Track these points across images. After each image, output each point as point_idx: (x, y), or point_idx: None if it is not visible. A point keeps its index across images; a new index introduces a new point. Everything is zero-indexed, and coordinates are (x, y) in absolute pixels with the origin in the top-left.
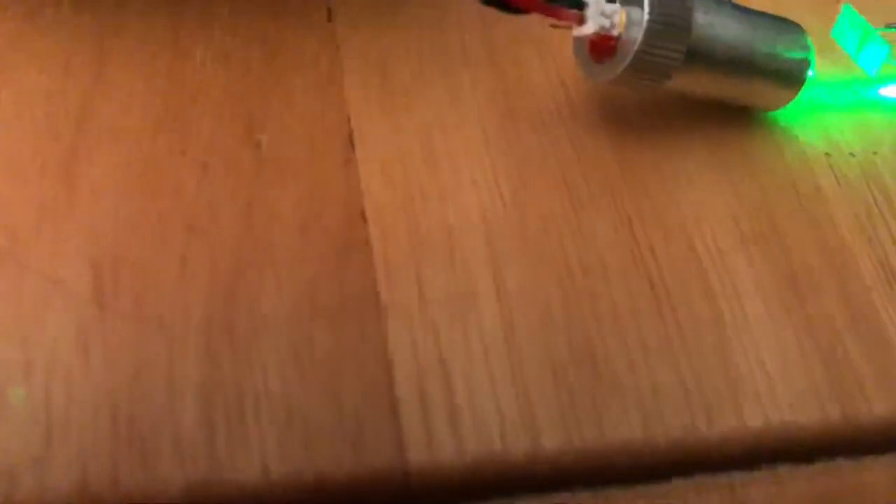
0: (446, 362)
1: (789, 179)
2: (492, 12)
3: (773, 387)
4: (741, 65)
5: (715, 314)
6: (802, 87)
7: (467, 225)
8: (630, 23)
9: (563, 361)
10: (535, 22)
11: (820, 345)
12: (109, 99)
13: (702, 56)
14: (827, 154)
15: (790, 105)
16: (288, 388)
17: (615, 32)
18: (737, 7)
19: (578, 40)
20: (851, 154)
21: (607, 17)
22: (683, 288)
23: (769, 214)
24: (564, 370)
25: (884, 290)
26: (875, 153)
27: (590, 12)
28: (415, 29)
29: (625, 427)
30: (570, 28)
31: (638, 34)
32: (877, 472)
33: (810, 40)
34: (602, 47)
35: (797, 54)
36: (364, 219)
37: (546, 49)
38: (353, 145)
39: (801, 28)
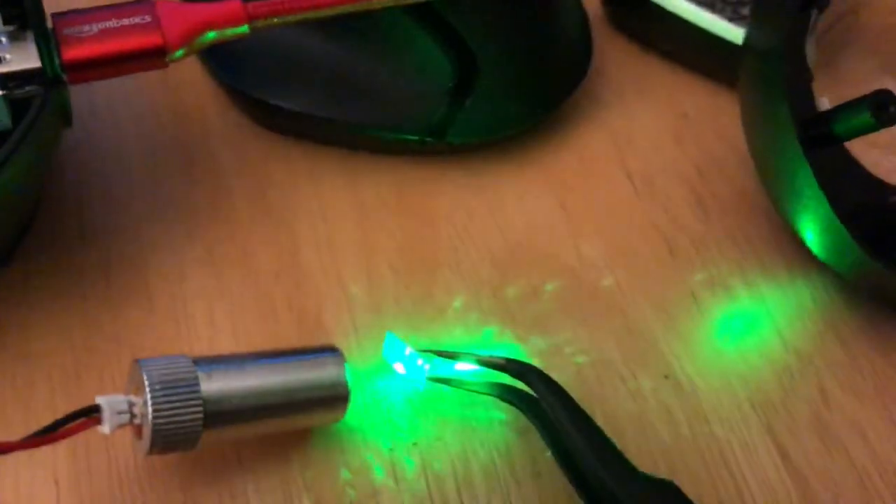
0: None
1: (347, 486)
2: None
3: None
4: (268, 410)
5: None
6: (345, 406)
7: None
8: (146, 407)
9: None
10: None
11: None
12: None
13: (222, 417)
14: (390, 449)
15: (359, 405)
16: None
17: (137, 421)
18: (254, 357)
19: None
20: (414, 443)
21: (124, 412)
22: None
23: None
24: None
25: None
26: (439, 438)
27: (105, 414)
28: None
29: None
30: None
31: (148, 419)
32: None
33: (346, 362)
34: (136, 429)
35: (328, 383)
36: None
37: None
38: None
39: (334, 353)
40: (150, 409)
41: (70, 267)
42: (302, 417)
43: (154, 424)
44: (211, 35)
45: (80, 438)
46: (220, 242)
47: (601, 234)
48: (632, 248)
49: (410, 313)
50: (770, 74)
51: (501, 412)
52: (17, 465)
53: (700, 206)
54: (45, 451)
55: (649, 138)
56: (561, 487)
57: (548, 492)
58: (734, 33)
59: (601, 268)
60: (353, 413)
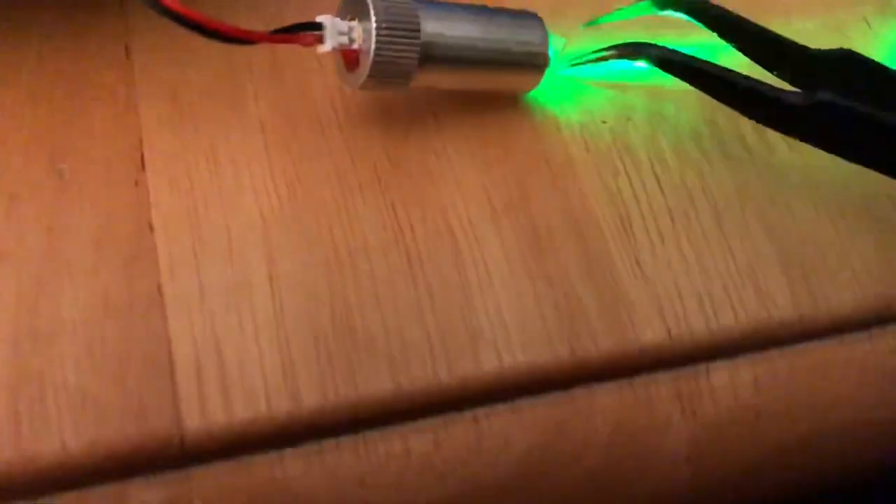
0: (220, 343)
1: (542, 152)
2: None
3: (509, 334)
4: (478, 60)
5: (462, 279)
6: (545, 71)
7: (246, 224)
8: (366, 35)
9: (325, 332)
10: None
11: (555, 295)
12: None
13: (437, 57)
14: (581, 125)
15: (548, 83)
16: (83, 378)
17: (355, 46)
18: (469, 7)
19: (335, 54)
20: (603, 122)
21: (344, 34)
22: (436, 259)
23: (520, 187)
24: (326, 339)
25: (621, 240)
26: (628, 119)
27: (327, 32)
28: (204, 51)
29: (375, 381)
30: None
31: (371, 46)
32: (603, 396)
33: (548, 29)
34: (350, 59)
35: (533, 44)
36: (151, 228)
37: (325, 58)
38: (143, 165)
39: (537, 18)
40: (373, 34)
41: None
42: (504, 75)
43: (376, 50)
44: None
45: (281, 88)
46: None
47: None
48: None
49: None
50: None
51: (688, 96)
52: (222, 115)
53: None
54: (246, 102)
55: None
56: (751, 169)
57: (738, 171)
58: None
59: None
60: (544, 90)
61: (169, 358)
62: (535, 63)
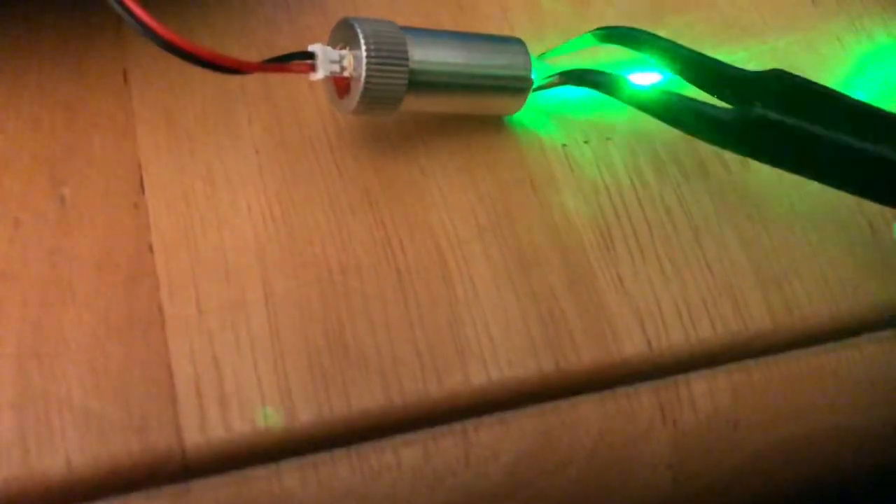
0: (218, 360)
1: (526, 171)
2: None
3: (495, 349)
4: (464, 85)
5: (451, 295)
6: (527, 94)
7: (241, 244)
8: (356, 63)
9: (318, 348)
10: None
11: (539, 309)
12: None
13: (424, 83)
14: (564, 145)
15: (532, 105)
16: (86, 396)
17: (346, 74)
18: (454, 34)
19: (327, 80)
20: (586, 142)
21: (335, 62)
22: (425, 275)
23: (505, 205)
24: (319, 356)
25: (603, 256)
26: (609, 139)
27: (319, 61)
28: (200, 77)
29: (368, 395)
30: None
31: (361, 73)
32: (587, 407)
33: (531, 54)
34: (341, 86)
35: (516, 68)
36: (151, 250)
37: (317, 83)
38: (143, 188)
39: (521, 43)
40: (364, 62)
41: None
42: (489, 99)
43: (367, 78)
44: None
45: (274, 113)
46: None
47: None
48: None
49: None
50: None
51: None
52: (217, 138)
53: None
54: (240, 126)
55: None
56: (728, 186)
57: (716, 188)
58: None
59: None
60: (528, 113)
61: (169, 375)
62: (518, 86)
